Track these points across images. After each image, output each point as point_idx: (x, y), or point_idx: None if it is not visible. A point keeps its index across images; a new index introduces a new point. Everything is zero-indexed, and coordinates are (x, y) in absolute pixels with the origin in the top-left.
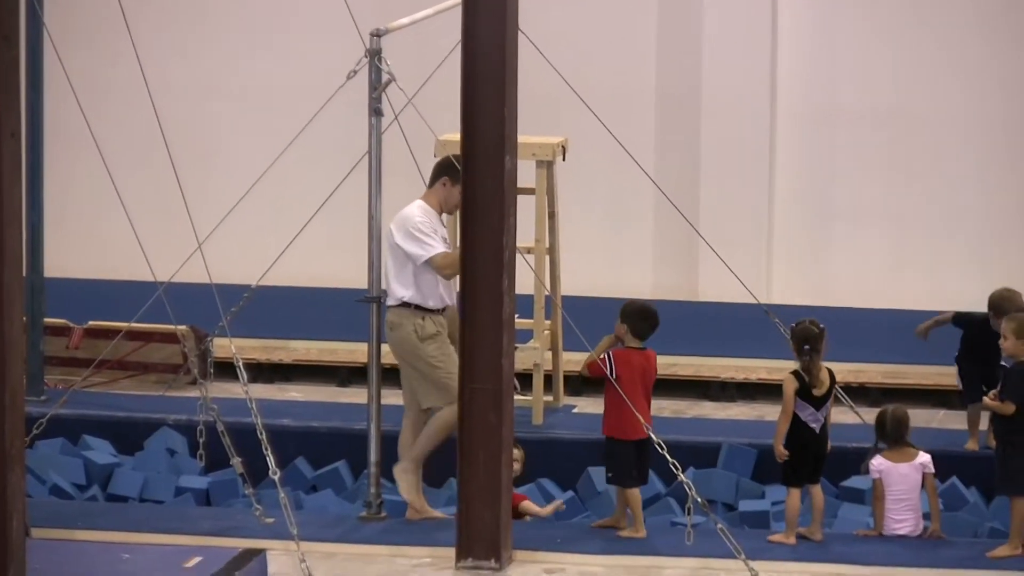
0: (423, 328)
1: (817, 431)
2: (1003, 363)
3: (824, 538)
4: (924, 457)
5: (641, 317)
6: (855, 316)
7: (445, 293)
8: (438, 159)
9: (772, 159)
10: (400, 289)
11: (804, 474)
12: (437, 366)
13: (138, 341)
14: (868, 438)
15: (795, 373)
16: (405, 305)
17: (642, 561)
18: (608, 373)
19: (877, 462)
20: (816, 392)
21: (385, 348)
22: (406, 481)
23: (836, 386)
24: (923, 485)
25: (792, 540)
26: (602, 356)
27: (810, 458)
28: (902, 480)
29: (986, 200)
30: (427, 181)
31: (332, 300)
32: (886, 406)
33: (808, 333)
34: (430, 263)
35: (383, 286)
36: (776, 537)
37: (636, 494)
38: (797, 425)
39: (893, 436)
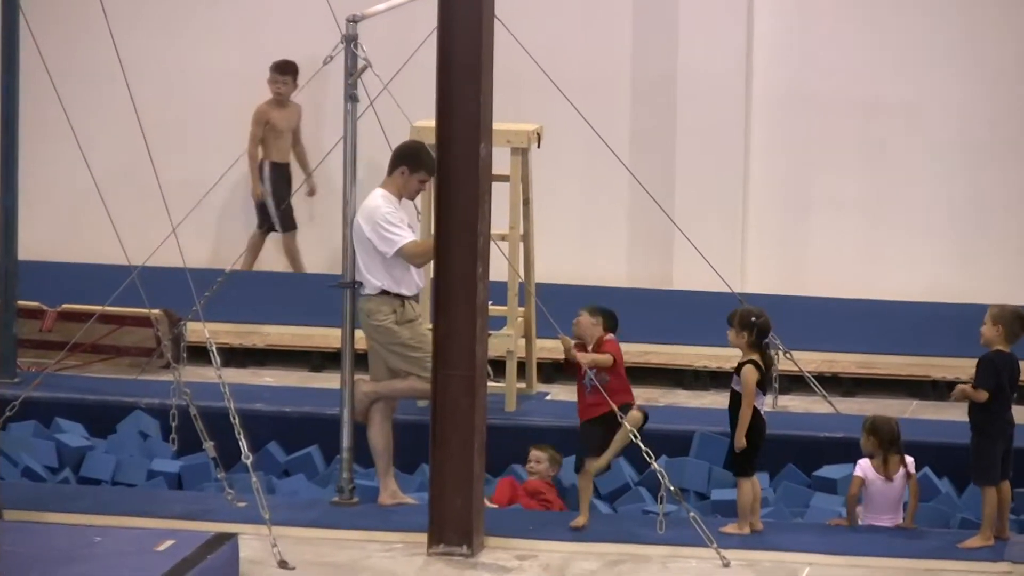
0: (402, 313)
1: (765, 419)
2: None
3: (764, 527)
4: (909, 463)
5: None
6: (829, 305)
7: (418, 278)
8: (403, 142)
9: (747, 147)
10: (374, 279)
11: (756, 463)
12: (417, 346)
13: (111, 324)
14: (840, 428)
15: (754, 363)
16: (383, 293)
17: (614, 548)
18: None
19: (866, 466)
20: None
21: (359, 334)
22: (362, 393)
23: (808, 374)
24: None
25: (746, 530)
26: (611, 338)
27: (762, 447)
28: (889, 492)
29: (962, 190)
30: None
31: (306, 285)
32: (875, 415)
33: (768, 324)
34: (400, 253)
35: (357, 275)
36: (730, 528)
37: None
38: (754, 415)
39: (888, 446)
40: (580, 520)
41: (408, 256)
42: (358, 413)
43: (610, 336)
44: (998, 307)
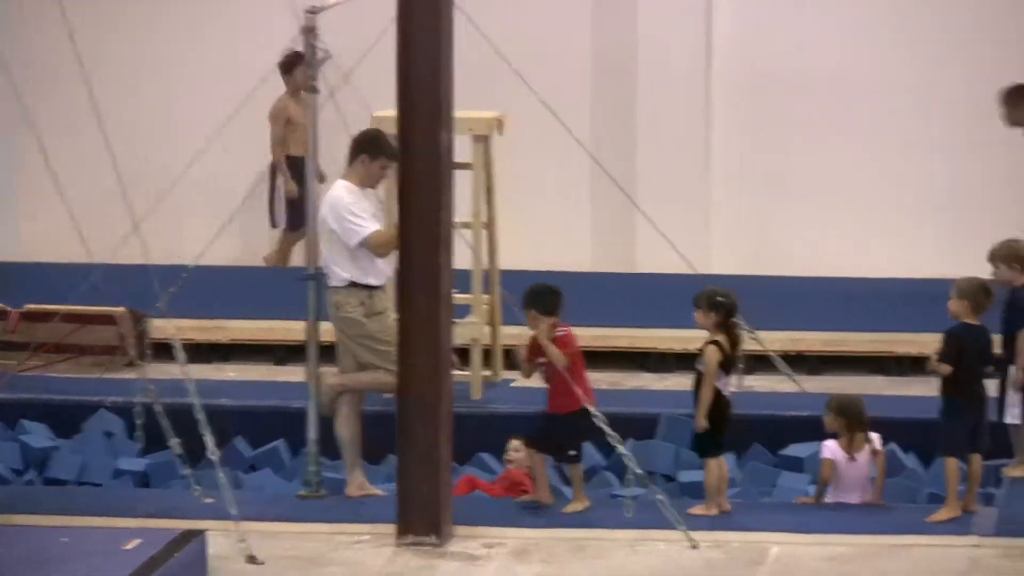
0: (371, 305)
1: (729, 399)
2: None
3: (732, 507)
4: (875, 440)
5: (552, 295)
6: (793, 284)
7: (386, 267)
8: (360, 131)
9: (709, 129)
10: (341, 270)
11: (721, 444)
12: (385, 339)
13: (75, 323)
14: (806, 406)
15: (716, 344)
16: (351, 285)
17: (581, 534)
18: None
19: (831, 448)
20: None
21: (324, 326)
22: (327, 386)
23: (773, 354)
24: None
25: (714, 511)
26: (567, 333)
27: (725, 428)
28: (855, 470)
29: (925, 169)
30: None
31: (269, 279)
32: (839, 394)
33: (734, 305)
34: (365, 244)
35: (323, 268)
36: (698, 509)
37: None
38: (716, 396)
39: (855, 424)
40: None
41: (372, 247)
42: (324, 406)
43: (562, 331)
44: (964, 280)
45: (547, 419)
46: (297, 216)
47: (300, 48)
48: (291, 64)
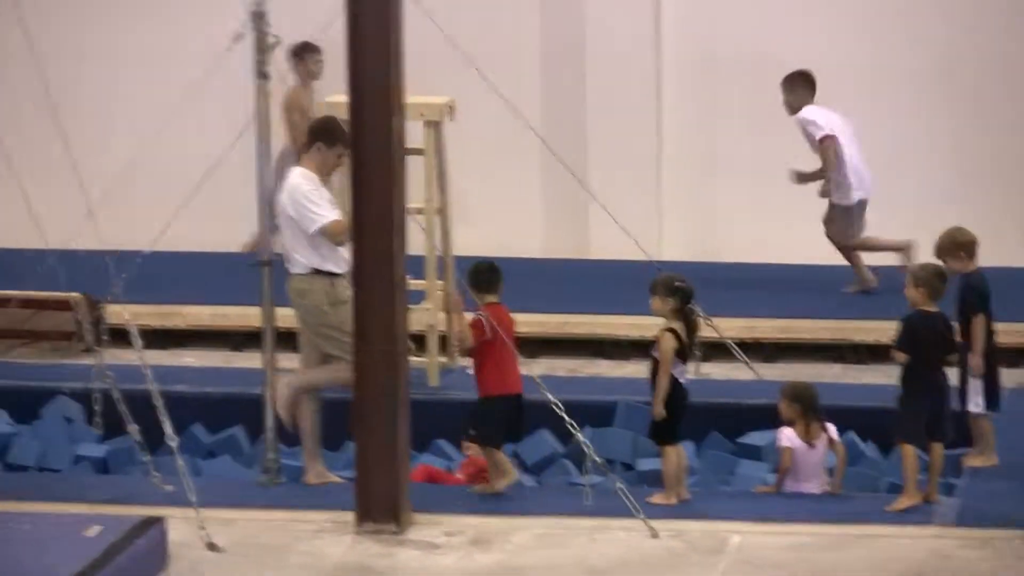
0: (333, 294)
1: (685, 386)
2: None
3: (691, 496)
4: (831, 431)
5: (490, 272)
6: (747, 271)
7: (346, 255)
8: (316, 119)
9: (660, 113)
10: (303, 257)
11: (678, 432)
12: (347, 331)
13: (30, 309)
14: (763, 394)
15: (671, 331)
16: (313, 272)
17: (540, 522)
18: (488, 333)
19: (788, 436)
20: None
21: (280, 312)
22: (284, 396)
23: (729, 341)
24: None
25: (673, 500)
26: (478, 318)
27: (682, 415)
28: (812, 456)
29: (877, 151)
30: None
31: (224, 265)
32: (793, 382)
33: (691, 291)
34: (323, 232)
35: (285, 254)
36: (657, 498)
37: (500, 453)
38: (673, 383)
39: (810, 411)
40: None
41: (330, 235)
42: (282, 409)
43: (478, 315)
44: (919, 266)
45: (476, 404)
46: None
47: (246, 30)
48: (300, 52)
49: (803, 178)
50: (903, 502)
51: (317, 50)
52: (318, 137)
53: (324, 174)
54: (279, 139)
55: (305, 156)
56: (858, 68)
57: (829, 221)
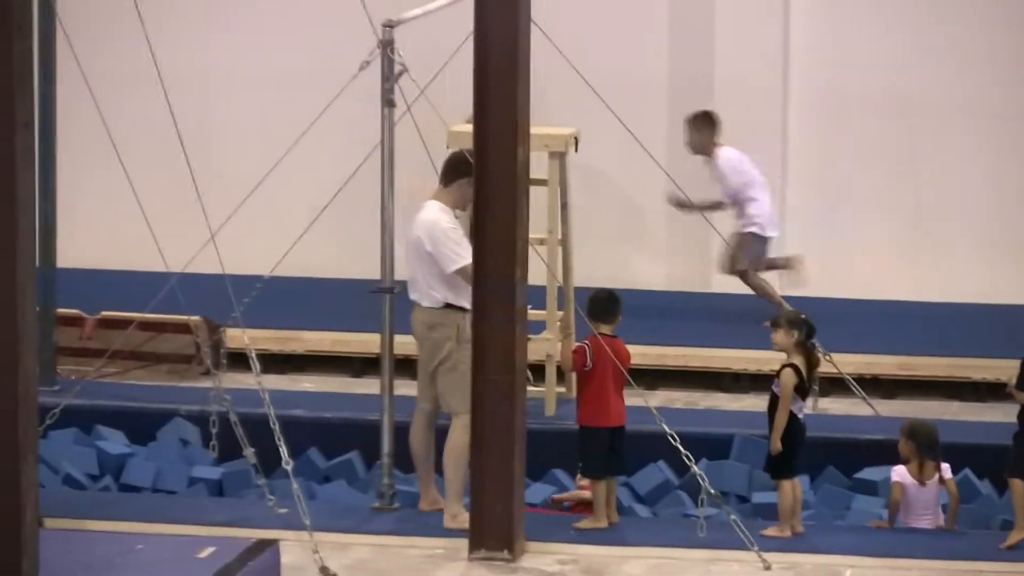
0: (464, 330)
1: (803, 421)
2: None
3: (805, 530)
4: (945, 471)
5: (607, 302)
6: (868, 307)
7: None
8: (451, 153)
9: (785, 148)
10: (437, 292)
11: (795, 466)
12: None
13: (150, 331)
14: (880, 430)
15: (792, 367)
16: (447, 306)
17: (654, 552)
18: (588, 362)
19: (900, 473)
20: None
21: (399, 340)
22: (461, 520)
23: (848, 376)
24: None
25: (787, 533)
26: (581, 346)
27: (799, 450)
28: (924, 495)
29: (1000, 191)
30: (440, 175)
31: (344, 291)
32: (914, 419)
33: (813, 327)
34: (461, 273)
35: (413, 285)
36: (771, 531)
37: (603, 487)
38: (790, 418)
39: (926, 451)
40: (601, 522)
41: (467, 276)
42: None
43: (582, 343)
44: None
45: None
46: None
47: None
48: None
49: (683, 205)
50: (1014, 536)
51: None
52: (463, 172)
53: (462, 208)
54: (404, 166)
55: (444, 191)
56: (985, 105)
57: (742, 245)
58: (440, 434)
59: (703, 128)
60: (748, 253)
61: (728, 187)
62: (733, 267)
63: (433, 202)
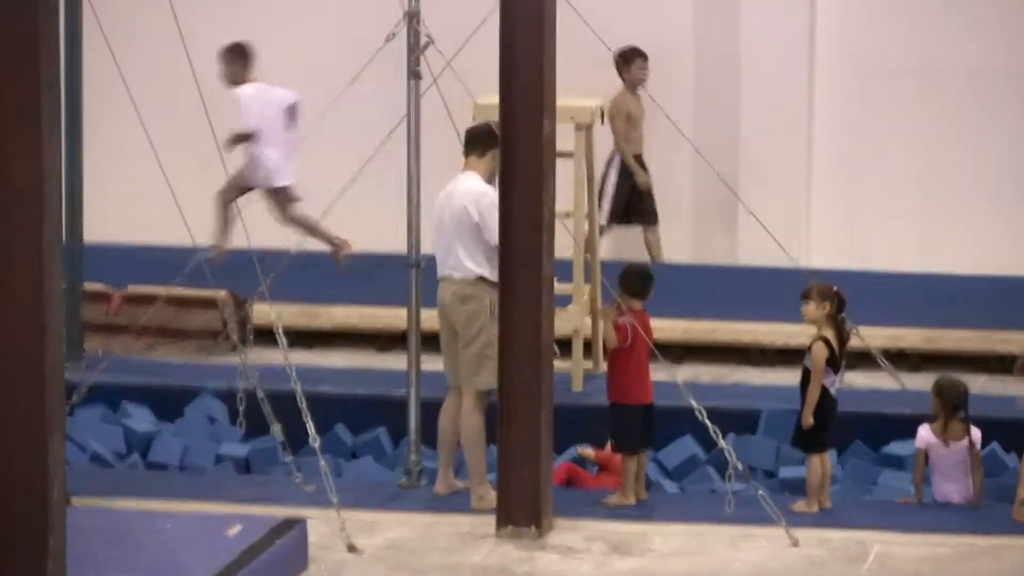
0: (496, 304)
1: (835, 396)
2: None
3: (832, 505)
4: (975, 434)
5: (642, 277)
6: (894, 280)
7: None
8: (478, 125)
9: (811, 120)
10: (474, 264)
11: (825, 440)
12: (496, 350)
13: (177, 307)
14: (907, 404)
15: (824, 340)
16: (481, 279)
17: (682, 528)
18: (628, 340)
19: (925, 434)
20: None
21: (425, 314)
22: (488, 500)
23: (875, 350)
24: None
25: (815, 508)
26: (623, 324)
27: (829, 424)
28: (949, 456)
29: None
30: (470, 147)
31: (372, 265)
32: (944, 375)
33: (844, 300)
34: None
35: (445, 259)
36: (799, 506)
37: (633, 463)
38: (822, 393)
39: (950, 409)
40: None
41: None
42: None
43: (623, 318)
44: None
45: (609, 409)
46: (646, 209)
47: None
48: (627, 58)
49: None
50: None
51: (643, 56)
52: (493, 143)
53: (492, 181)
54: (430, 139)
55: (479, 161)
56: (1014, 75)
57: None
58: None
59: (234, 60)
60: (238, 181)
61: (245, 124)
62: (226, 192)
63: (471, 173)
